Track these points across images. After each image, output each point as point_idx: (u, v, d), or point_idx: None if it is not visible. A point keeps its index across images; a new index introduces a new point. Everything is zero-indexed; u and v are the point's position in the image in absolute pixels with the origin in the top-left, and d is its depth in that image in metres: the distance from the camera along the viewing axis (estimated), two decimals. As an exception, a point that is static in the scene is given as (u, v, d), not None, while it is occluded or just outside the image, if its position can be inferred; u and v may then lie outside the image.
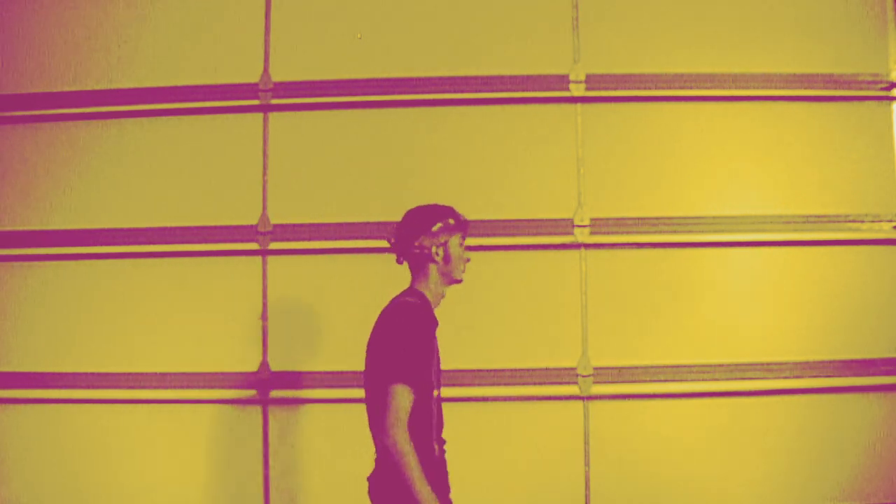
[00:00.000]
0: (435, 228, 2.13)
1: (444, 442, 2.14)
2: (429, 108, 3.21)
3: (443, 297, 2.18)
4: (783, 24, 3.21)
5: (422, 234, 2.12)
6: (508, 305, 3.12)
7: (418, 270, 2.16)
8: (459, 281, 2.19)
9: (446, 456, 2.17)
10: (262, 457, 3.12)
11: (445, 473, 2.12)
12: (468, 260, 2.20)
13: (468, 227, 2.21)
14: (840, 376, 3.08)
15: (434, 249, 2.12)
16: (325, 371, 3.12)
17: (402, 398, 1.91)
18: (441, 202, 3.18)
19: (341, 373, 3.11)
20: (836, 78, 3.18)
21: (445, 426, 2.18)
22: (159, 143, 3.24)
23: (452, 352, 3.10)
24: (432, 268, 2.14)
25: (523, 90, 3.18)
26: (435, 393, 2.06)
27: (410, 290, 2.15)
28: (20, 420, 3.18)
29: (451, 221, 2.16)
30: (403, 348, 1.96)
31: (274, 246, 3.17)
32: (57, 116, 3.24)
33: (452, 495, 2.16)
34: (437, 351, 2.11)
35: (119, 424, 3.15)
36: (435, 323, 2.07)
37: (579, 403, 3.09)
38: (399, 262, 2.21)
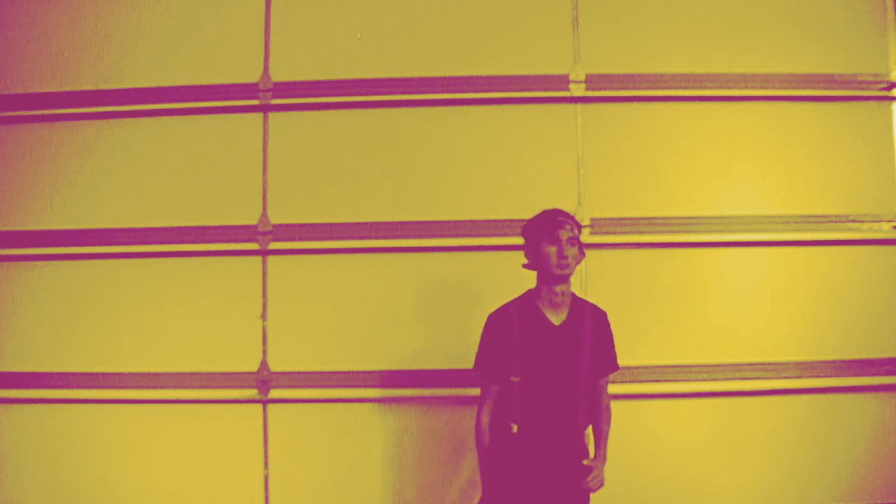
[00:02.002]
0: (527, 237, 2.40)
1: (532, 422, 2.33)
2: (429, 108, 3.21)
3: (557, 295, 2.36)
4: (783, 24, 3.21)
5: (525, 245, 2.43)
6: (508, 305, 3.12)
7: None
8: (559, 277, 2.32)
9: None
10: (262, 457, 3.12)
11: (527, 450, 2.32)
12: (564, 256, 2.30)
13: (552, 222, 2.34)
14: (840, 376, 3.08)
15: (528, 256, 2.40)
16: (325, 371, 3.12)
17: (483, 389, 2.42)
18: (440, 202, 3.20)
19: (341, 373, 3.11)
20: (836, 78, 3.18)
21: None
22: (159, 143, 3.24)
23: (451, 352, 3.11)
24: (537, 272, 2.38)
25: (523, 90, 3.18)
26: (514, 379, 2.33)
27: (523, 293, 2.43)
28: (19, 420, 3.18)
29: (539, 225, 2.36)
30: (479, 348, 2.42)
31: (274, 246, 3.17)
32: (57, 116, 3.24)
33: None
34: (522, 341, 2.33)
35: (118, 424, 3.15)
36: (510, 319, 2.36)
37: (579, 403, 3.09)
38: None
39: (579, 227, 2.41)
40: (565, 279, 2.35)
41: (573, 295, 2.44)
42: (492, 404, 2.39)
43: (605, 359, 2.48)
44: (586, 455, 2.43)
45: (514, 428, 2.33)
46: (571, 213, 3.08)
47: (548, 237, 2.32)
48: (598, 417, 2.49)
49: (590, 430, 2.54)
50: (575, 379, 2.36)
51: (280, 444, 3.13)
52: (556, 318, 2.37)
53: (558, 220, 2.35)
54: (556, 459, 2.34)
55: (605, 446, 2.50)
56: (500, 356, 2.36)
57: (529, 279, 2.44)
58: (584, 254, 2.40)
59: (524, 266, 2.43)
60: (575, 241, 2.35)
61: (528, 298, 2.41)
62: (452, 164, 3.19)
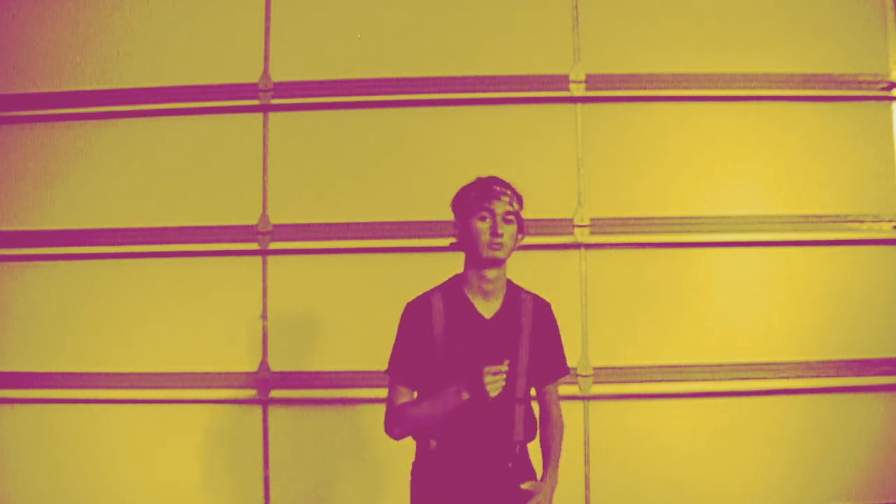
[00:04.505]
0: (456, 211, 2.01)
1: (456, 437, 1.94)
2: (429, 108, 3.21)
3: (489, 282, 1.97)
4: (783, 23, 3.21)
5: (454, 221, 2.03)
6: (508, 305, 3.12)
7: None
8: (489, 262, 1.94)
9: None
10: (262, 457, 3.12)
11: (451, 471, 1.95)
12: (498, 234, 1.91)
13: (487, 194, 1.94)
14: (840, 376, 3.08)
15: (457, 232, 2.00)
16: (325, 371, 3.12)
17: (390, 393, 2.03)
18: (441, 202, 3.17)
19: (341, 373, 3.11)
20: (836, 78, 3.18)
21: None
22: (159, 143, 3.24)
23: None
24: (465, 252, 2.01)
25: (523, 90, 3.18)
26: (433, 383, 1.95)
27: (449, 279, 2.06)
28: (19, 420, 3.18)
29: (470, 196, 1.97)
30: (394, 345, 2.04)
31: (274, 246, 3.17)
32: (57, 116, 3.24)
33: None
34: (446, 336, 1.95)
35: (119, 424, 3.15)
36: (431, 309, 1.97)
37: (579, 404, 3.09)
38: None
39: (520, 200, 2.00)
40: (499, 263, 1.95)
41: (509, 282, 2.05)
42: (396, 411, 1.99)
43: (550, 361, 2.06)
44: (530, 477, 2.01)
45: (433, 443, 1.96)
46: (571, 214, 3.14)
47: (479, 211, 1.93)
48: (546, 432, 2.09)
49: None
50: (510, 384, 1.91)
51: (280, 444, 3.13)
52: (487, 310, 1.99)
53: (494, 191, 1.94)
54: (487, 482, 1.94)
55: (556, 468, 2.07)
56: (418, 354, 1.96)
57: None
58: (525, 232, 2.01)
59: (451, 247, 2.05)
60: (514, 216, 1.95)
61: (454, 285, 2.01)
62: (452, 164, 3.19)
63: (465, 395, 1.84)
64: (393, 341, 2.05)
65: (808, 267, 3.14)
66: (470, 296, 2.00)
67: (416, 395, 2.04)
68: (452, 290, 2.01)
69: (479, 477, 1.94)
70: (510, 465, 1.98)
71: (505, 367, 1.82)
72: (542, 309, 2.08)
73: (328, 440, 3.12)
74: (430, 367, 1.96)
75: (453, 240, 2.05)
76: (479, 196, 1.94)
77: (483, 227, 1.93)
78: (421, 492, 2.00)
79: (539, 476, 2.07)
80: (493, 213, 1.92)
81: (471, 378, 1.83)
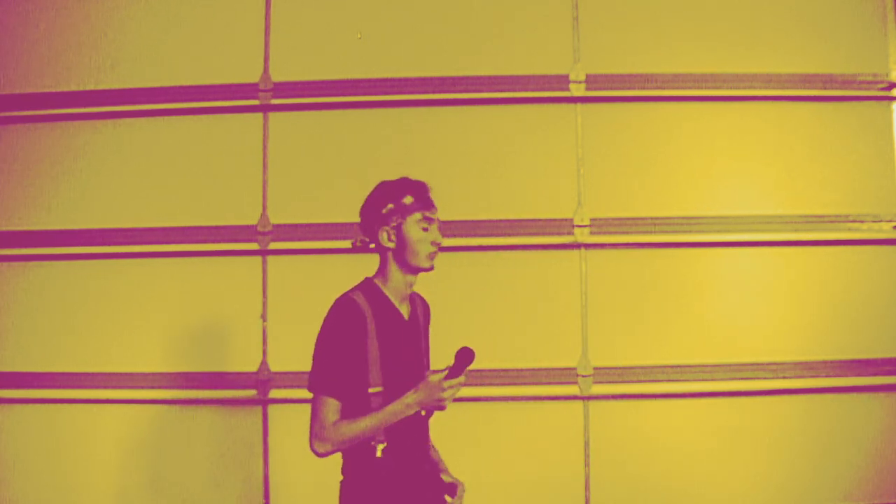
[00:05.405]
0: (385, 211, 1.90)
1: (399, 441, 1.89)
2: (429, 108, 3.21)
3: (410, 285, 1.95)
4: (783, 23, 3.21)
5: (374, 219, 1.92)
6: (508, 305, 3.12)
7: (379, 258, 1.97)
8: (423, 269, 1.93)
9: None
10: (262, 457, 3.12)
11: (401, 477, 1.90)
12: (437, 243, 1.91)
13: (428, 202, 1.92)
14: (841, 376, 3.08)
15: (385, 235, 1.91)
16: (324, 371, 3.12)
17: (322, 408, 1.83)
18: (440, 202, 3.18)
19: (341, 373, 3.11)
20: (836, 78, 3.18)
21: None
22: (159, 143, 3.24)
23: (452, 352, 3.10)
24: (388, 255, 1.93)
25: (523, 90, 3.18)
26: (373, 390, 1.86)
27: (363, 282, 1.97)
28: (19, 420, 3.18)
29: (407, 200, 1.90)
30: (321, 354, 1.87)
31: (274, 246, 3.17)
32: (57, 116, 3.24)
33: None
34: (383, 345, 1.88)
35: (118, 424, 3.15)
36: (363, 313, 1.86)
37: (579, 403, 3.09)
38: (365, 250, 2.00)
39: None
40: (426, 271, 1.94)
41: None
42: (331, 429, 1.83)
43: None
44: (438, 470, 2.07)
45: (379, 451, 1.86)
46: (571, 214, 3.14)
47: (421, 219, 1.90)
48: None
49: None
50: None
51: (280, 444, 3.12)
52: (405, 312, 1.98)
53: (430, 198, 1.92)
54: (426, 481, 1.98)
55: None
56: (353, 362, 1.85)
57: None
58: None
59: (356, 246, 1.99)
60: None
61: (372, 287, 1.94)
62: (452, 164, 3.19)
63: (422, 410, 1.83)
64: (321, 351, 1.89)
65: (808, 267, 3.14)
66: (391, 298, 1.95)
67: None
68: (372, 292, 1.93)
69: (423, 477, 1.97)
70: (431, 447, 2.07)
71: (463, 380, 1.82)
72: (426, 308, 2.14)
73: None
74: (360, 374, 1.86)
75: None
76: (420, 204, 1.91)
77: (425, 237, 1.90)
78: (368, 500, 1.91)
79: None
80: (431, 223, 1.91)
81: (425, 388, 1.81)
